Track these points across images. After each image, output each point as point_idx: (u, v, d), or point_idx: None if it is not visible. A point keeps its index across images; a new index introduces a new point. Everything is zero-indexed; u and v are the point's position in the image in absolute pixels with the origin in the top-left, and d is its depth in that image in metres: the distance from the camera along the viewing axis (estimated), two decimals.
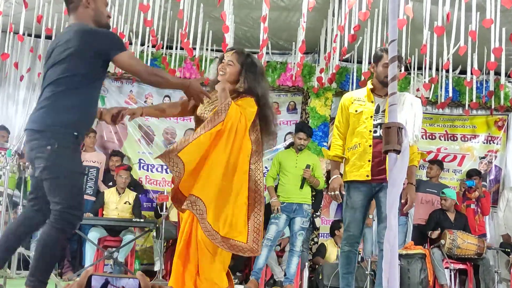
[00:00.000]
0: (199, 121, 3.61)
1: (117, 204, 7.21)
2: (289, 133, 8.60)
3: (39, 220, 3.21)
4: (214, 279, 3.40)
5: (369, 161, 4.14)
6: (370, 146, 4.15)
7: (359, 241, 4.35)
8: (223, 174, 3.30)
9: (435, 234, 7.21)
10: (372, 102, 4.25)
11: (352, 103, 4.33)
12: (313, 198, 7.35)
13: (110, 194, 7.30)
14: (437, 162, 8.21)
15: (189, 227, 3.42)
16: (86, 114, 3.20)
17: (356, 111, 4.27)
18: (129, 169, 7.59)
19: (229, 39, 6.38)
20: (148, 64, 7.72)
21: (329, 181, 4.39)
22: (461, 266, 7.25)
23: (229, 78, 3.59)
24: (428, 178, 8.14)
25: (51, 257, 3.06)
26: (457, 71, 8.30)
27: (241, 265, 7.58)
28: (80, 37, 3.12)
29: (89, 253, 6.86)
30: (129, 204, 7.27)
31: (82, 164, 3.32)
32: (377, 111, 4.21)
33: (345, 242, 4.31)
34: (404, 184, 3.96)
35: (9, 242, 3.21)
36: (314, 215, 7.82)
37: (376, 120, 4.19)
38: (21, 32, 6.96)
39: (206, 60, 7.83)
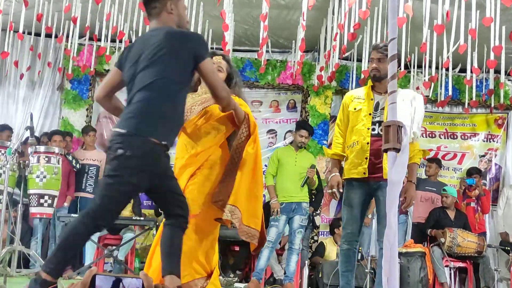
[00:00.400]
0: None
1: None
2: (289, 131, 8.60)
3: None
4: (196, 268, 3.51)
5: (366, 158, 4.13)
6: (367, 143, 4.13)
7: (357, 239, 4.35)
8: (251, 177, 3.61)
9: (435, 232, 7.21)
10: (371, 99, 4.24)
11: (352, 101, 4.33)
12: (313, 197, 7.36)
13: None
14: (436, 161, 8.20)
15: None
16: (177, 122, 3.12)
17: (355, 108, 4.26)
18: None
19: (229, 37, 6.39)
20: None
21: (328, 179, 4.39)
22: (461, 265, 7.25)
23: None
24: (427, 177, 8.14)
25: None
26: (457, 69, 8.30)
27: (241, 264, 7.59)
28: (174, 39, 3.01)
29: (89, 252, 6.86)
30: (129, 202, 7.26)
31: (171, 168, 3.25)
32: (376, 108, 4.20)
33: (343, 240, 4.31)
34: (404, 181, 3.97)
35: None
36: (314, 214, 7.83)
37: (375, 117, 4.18)
38: (21, 31, 6.96)
39: None
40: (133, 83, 3.01)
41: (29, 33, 7.58)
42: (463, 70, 7.25)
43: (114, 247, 6.85)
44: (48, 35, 7.69)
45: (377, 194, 4.19)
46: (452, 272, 7.23)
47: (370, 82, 4.35)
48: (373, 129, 4.16)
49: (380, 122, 4.10)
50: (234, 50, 7.65)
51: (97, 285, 1.04)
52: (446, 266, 7.03)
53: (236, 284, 6.70)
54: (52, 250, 3.08)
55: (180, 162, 3.63)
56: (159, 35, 3.03)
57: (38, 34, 7.66)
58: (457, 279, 7.48)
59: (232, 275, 6.96)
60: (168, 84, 2.97)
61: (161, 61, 2.96)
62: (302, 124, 6.93)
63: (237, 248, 7.88)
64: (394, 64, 2.32)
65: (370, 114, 4.19)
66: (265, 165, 7.25)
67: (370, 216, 6.88)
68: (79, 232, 2.86)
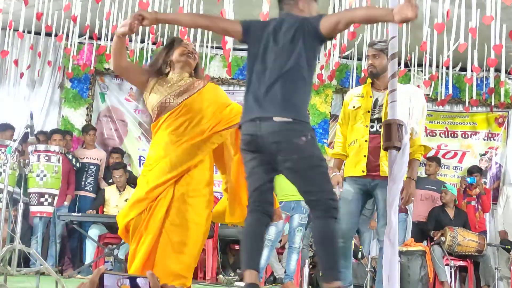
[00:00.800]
0: (163, 108, 3.34)
1: (118, 201, 7.21)
2: None
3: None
4: (180, 272, 3.25)
5: (364, 156, 4.12)
6: (366, 141, 4.12)
7: (352, 235, 4.34)
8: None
9: (438, 235, 7.18)
10: (370, 97, 4.24)
11: (352, 99, 4.32)
12: None
13: (110, 192, 7.30)
14: (435, 159, 8.20)
15: (146, 223, 3.25)
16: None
17: (353, 107, 4.25)
18: (120, 167, 7.46)
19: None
20: (148, 61, 7.73)
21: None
22: (462, 263, 7.25)
23: (193, 67, 3.53)
24: (427, 175, 8.14)
25: (337, 246, 3.04)
26: (457, 68, 8.29)
27: (240, 263, 7.59)
28: (309, 24, 2.99)
29: (90, 250, 6.86)
30: None
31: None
32: (374, 105, 4.19)
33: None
34: None
35: (258, 243, 3.22)
36: None
37: (374, 115, 4.16)
38: (21, 29, 6.96)
39: (206, 57, 7.82)
40: (265, 64, 2.95)
41: (29, 32, 7.57)
42: (464, 68, 7.24)
43: (114, 246, 6.85)
44: (48, 34, 7.68)
45: (375, 192, 4.18)
46: (453, 270, 7.23)
47: (369, 80, 4.35)
48: (372, 126, 4.14)
49: (379, 119, 4.08)
50: (234, 49, 7.64)
51: (105, 284, 1.04)
52: (447, 264, 7.03)
53: (237, 283, 6.70)
54: (327, 258, 2.99)
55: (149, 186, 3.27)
56: (291, 20, 3.01)
57: (38, 33, 7.65)
58: (457, 277, 7.48)
59: (232, 274, 6.97)
60: (305, 70, 2.94)
61: (300, 47, 2.92)
62: None
63: (237, 247, 7.88)
64: (394, 62, 2.33)
65: (368, 111, 4.17)
66: None
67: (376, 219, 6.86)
68: (337, 229, 2.92)
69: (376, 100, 4.19)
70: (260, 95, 2.86)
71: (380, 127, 3.81)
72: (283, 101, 2.82)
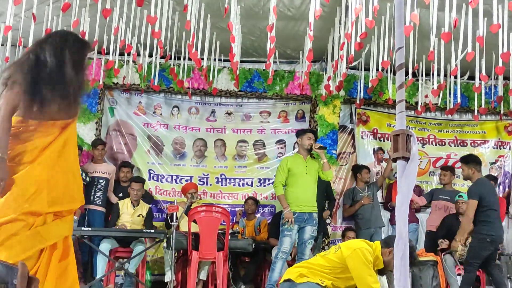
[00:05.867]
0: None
1: (131, 216, 7.23)
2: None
3: None
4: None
5: None
6: None
7: None
8: None
9: (445, 244, 7.14)
10: None
11: None
12: (326, 206, 7.47)
13: (124, 206, 7.31)
14: (450, 168, 8.19)
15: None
16: None
17: None
18: (141, 180, 7.60)
19: (236, 49, 6.40)
20: (157, 75, 7.78)
21: None
22: None
23: None
24: (442, 185, 8.11)
25: None
26: (466, 76, 8.28)
27: (252, 274, 7.59)
28: None
29: (101, 265, 6.86)
30: (142, 216, 7.29)
31: None
32: None
33: None
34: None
35: None
36: (328, 219, 7.95)
37: None
38: (30, 46, 7.02)
39: (214, 70, 7.86)
40: None
41: None
42: (472, 77, 7.22)
43: (125, 260, 6.86)
44: None
45: None
46: None
47: None
48: None
49: None
50: (242, 61, 7.67)
51: None
52: (459, 274, 6.97)
53: None
54: None
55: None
56: None
57: None
58: None
59: (243, 287, 6.95)
60: None
61: None
62: (304, 130, 6.91)
63: (247, 259, 7.87)
64: (402, 73, 2.32)
65: None
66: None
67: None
68: None
69: None
70: None
71: None
72: None
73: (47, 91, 3.16)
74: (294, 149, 8.55)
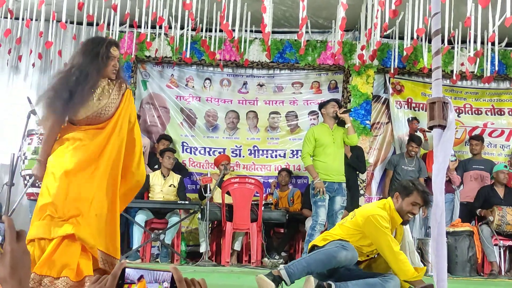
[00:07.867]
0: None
1: (162, 187, 7.32)
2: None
3: None
4: None
5: None
6: None
7: None
8: None
9: (484, 212, 7.04)
10: None
11: None
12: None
13: (155, 177, 7.40)
14: (480, 138, 8.02)
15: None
16: None
17: None
18: (173, 151, 7.74)
19: (267, 19, 6.33)
20: (188, 47, 7.78)
21: None
22: (511, 243, 7.09)
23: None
24: (473, 155, 7.97)
25: None
26: (503, 43, 8.06)
27: (286, 245, 7.65)
28: None
29: (137, 236, 6.99)
30: (174, 187, 7.37)
31: None
32: None
33: None
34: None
35: None
36: (362, 184, 7.90)
37: None
38: (63, 20, 7.08)
39: (245, 42, 7.81)
40: None
41: (71, 22, 7.70)
42: (510, 44, 7.04)
43: (160, 231, 6.96)
44: (90, 24, 7.80)
45: None
46: (502, 251, 7.09)
47: None
48: None
49: None
50: (273, 32, 7.60)
51: (127, 277, 1.07)
52: (496, 245, 6.89)
53: (281, 266, 6.71)
54: None
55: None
56: None
57: (80, 23, 7.78)
58: (507, 257, 7.33)
59: (277, 257, 6.99)
60: None
61: None
62: (327, 101, 6.76)
63: (281, 230, 7.91)
64: (438, 39, 2.26)
65: None
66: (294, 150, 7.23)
67: None
68: None
69: None
70: None
71: None
72: None
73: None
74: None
